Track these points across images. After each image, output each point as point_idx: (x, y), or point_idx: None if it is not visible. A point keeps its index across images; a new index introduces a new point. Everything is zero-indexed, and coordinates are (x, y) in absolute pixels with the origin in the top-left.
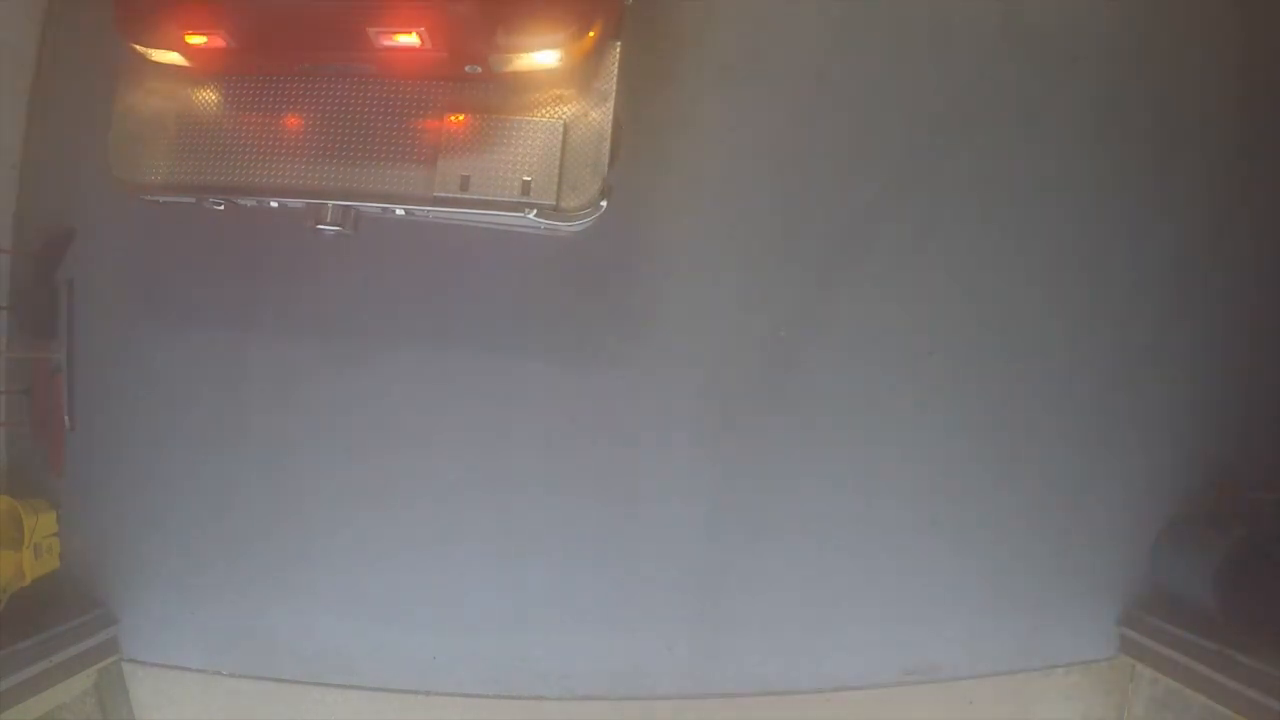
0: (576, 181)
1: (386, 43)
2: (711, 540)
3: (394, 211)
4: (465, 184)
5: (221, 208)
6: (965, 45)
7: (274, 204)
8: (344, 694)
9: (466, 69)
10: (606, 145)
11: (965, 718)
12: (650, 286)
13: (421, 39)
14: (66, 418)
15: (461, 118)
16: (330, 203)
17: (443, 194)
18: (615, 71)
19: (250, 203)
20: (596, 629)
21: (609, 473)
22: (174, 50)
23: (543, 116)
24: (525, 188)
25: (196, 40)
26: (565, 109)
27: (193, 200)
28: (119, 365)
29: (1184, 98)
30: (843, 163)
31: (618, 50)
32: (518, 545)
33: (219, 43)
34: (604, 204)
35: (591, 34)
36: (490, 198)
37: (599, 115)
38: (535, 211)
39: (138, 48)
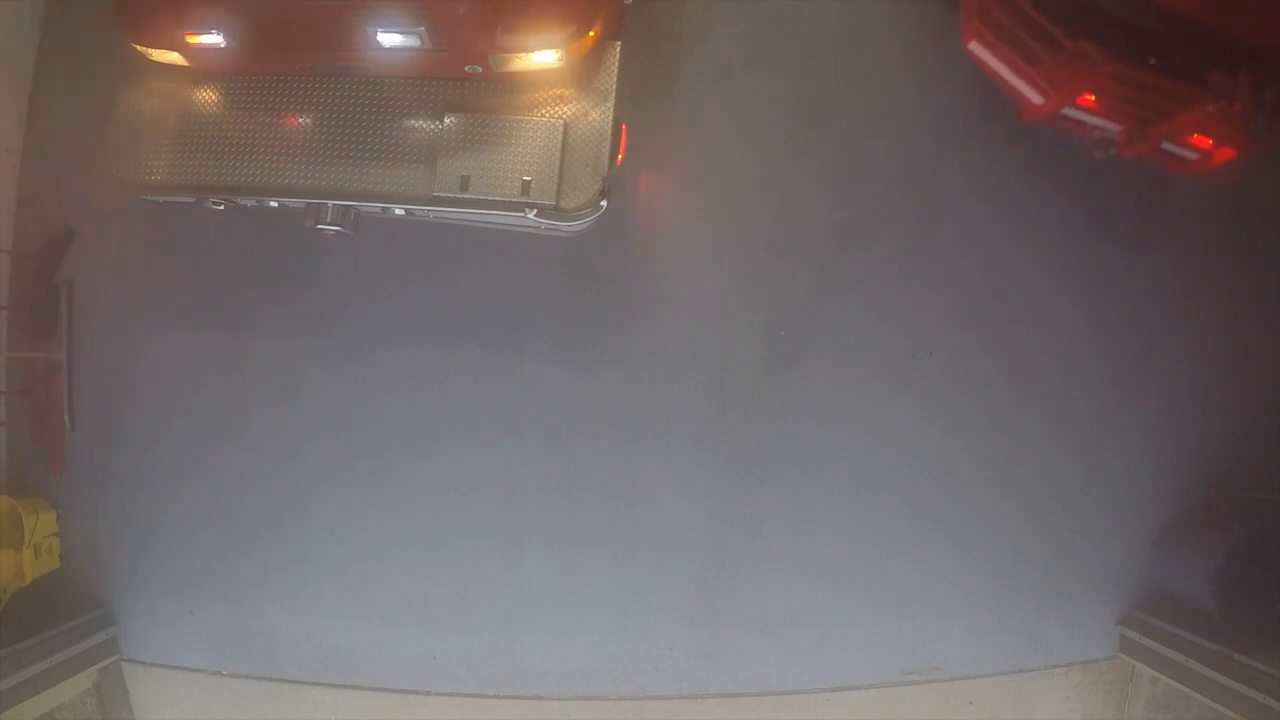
0: (576, 181)
1: (387, 42)
2: (712, 540)
3: (394, 211)
4: (465, 184)
5: (221, 208)
6: None
7: (274, 204)
8: (344, 694)
9: (466, 69)
10: (606, 145)
11: (965, 718)
12: (650, 286)
13: (422, 39)
14: (66, 418)
15: (461, 118)
16: (330, 203)
17: (443, 194)
18: (615, 71)
19: (250, 203)
20: (597, 629)
21: (609, 472)
22: (174, 50)
23: (543, 116)
24: (525, 188)
25: (196, 40)
26: (565, 109)
27: (193, 200)
28: (119, 365)
29: None
30: (843, 161)
31: (618, 50)
32: (518, 545)
33: (219, 43)
34: (604, 204)
35: (591, 34)
36: (490, 197)
37: (599, 115)
38: (535, 211)
39: (138, 47)
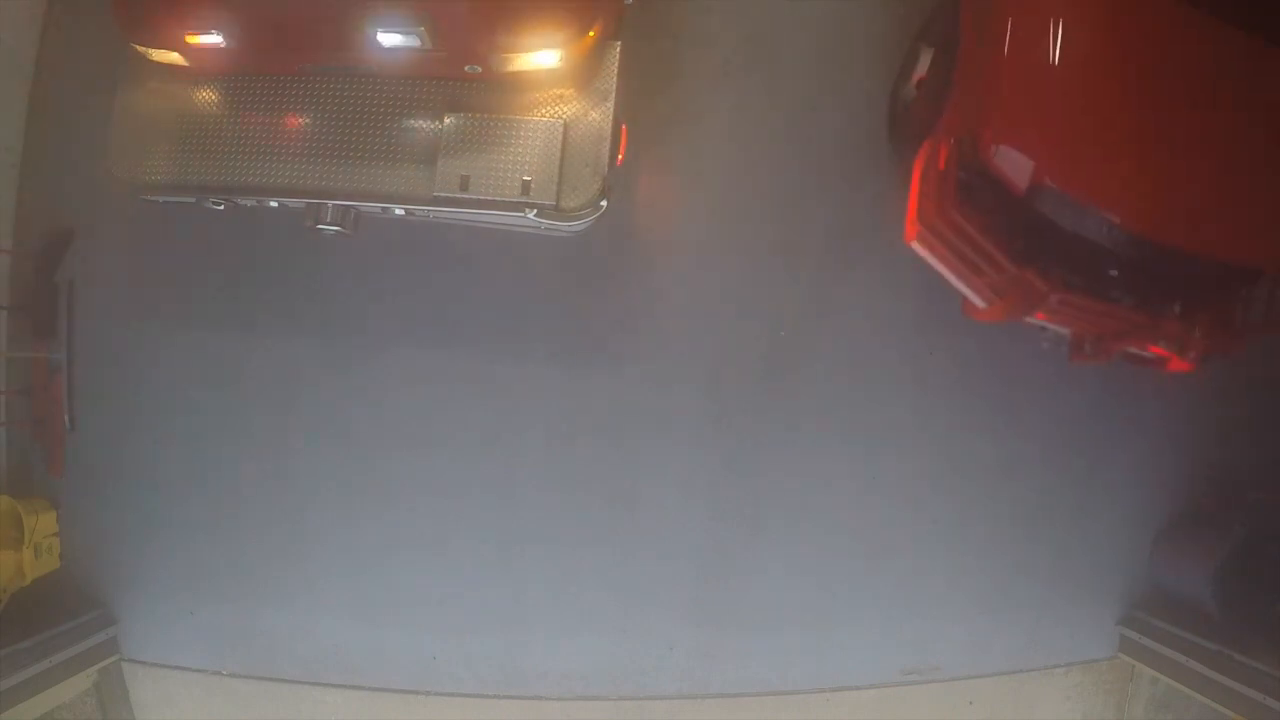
0: (576, 181)
1: (387, 42)
2: (711, 540)
3: (394, 211)
4: (465, 184)
5: (221, 208)
6: None
7: (274, 204)
8: (344, 694)
9: (466, 69)
10: (606, 145)
11: (965, 718)
12: (650, 286)
13: (422, 39)
14: (66, 418)
15: (461, 117)
16: (330, 203)
17: (443, 194)
18: (615, 71)
19: (250, 203)
20: (596, 629)
21: (609, 473)
22: (174, 50)
23: (543, 116)
24: (525, 188)
25: (196, 40)
26: (565, 109)
27: (193, 200)
28: (119, 365)
29: None
30: (844, 160)
31: (618, 50)
32: (517, 545)
33: (219, 43)
34: (604, 204)
35: (591, 34)
36: (490, 198)
37: (599, 115)
38: (535, 211)
39: (138, 47)
